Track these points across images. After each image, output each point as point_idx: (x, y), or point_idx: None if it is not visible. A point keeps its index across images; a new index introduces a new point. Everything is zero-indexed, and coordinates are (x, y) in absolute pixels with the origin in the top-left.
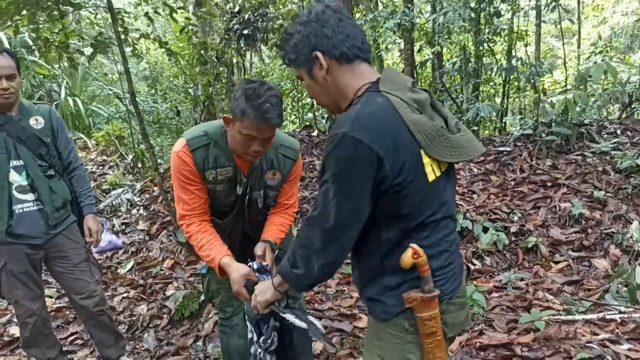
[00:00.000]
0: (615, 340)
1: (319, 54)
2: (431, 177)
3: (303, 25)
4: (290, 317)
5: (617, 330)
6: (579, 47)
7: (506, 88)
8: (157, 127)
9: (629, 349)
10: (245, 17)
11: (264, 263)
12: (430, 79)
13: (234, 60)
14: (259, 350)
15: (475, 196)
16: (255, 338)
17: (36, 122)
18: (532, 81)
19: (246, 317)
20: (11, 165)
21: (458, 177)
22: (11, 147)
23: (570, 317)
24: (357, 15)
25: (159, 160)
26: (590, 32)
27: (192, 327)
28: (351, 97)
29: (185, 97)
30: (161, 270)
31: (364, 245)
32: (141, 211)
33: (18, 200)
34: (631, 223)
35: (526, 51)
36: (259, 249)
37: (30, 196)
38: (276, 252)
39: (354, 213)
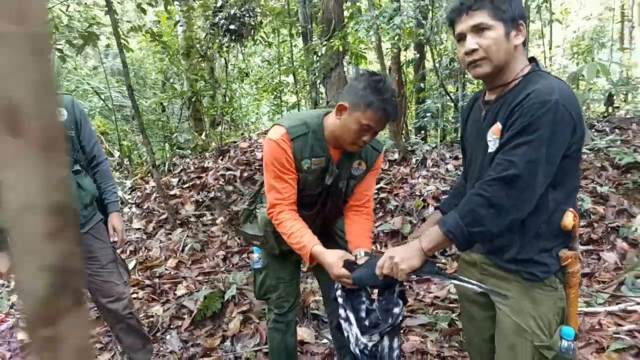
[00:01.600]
0: None
1: (524, 25)
2: None
3: None
4: (457, 282)
5: None
6: (550, 48)
7: None
8: (139, 124)
9: None
10: (232, 12)
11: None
12: (413, 78)
13: (217, 56)
14: (369, 338)
15: None
16: (357, 334)
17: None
18: None
19: (345, 316)
20: None
21: (458, 172)
22: None
23: (592, 309)
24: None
25: (144, 157)
26: (556, 36)
27: (216, 327)
28: (516, 72)
29: (172, 92)
30: (166, 269)
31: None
32: (134, 209)
33: None
34: (634, 217)
35: None
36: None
37: None
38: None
39: (549, 172)
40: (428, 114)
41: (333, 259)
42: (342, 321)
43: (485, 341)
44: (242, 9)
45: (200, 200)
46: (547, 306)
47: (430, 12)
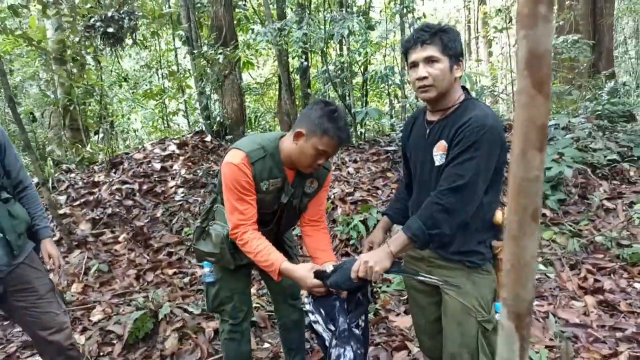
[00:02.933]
0: None
1: (462, 61)
2: None
3: (457, 34)
4: (421, 277)
5: None
6: None
7: (365, 93)
8: (24, 139)
9: (535, 305)
10: (109, 14)
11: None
12: (300, 85)
13: (90, 60)
14: (345, 328)
15: (379, 192)
16: (329, 334)
17: None
18: (388, 85)
19: (315, 319)
20: None
21: (359, 175)
22: None
23: None
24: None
25: None
26: None
27: (151, 348)
28: (454, 99)
29: (45, 100)
30: (72, 296)
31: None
32: None
33: None
34: (500, 202)
35: (384, 59)
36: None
37: None
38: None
39: (486, 180)
40: None
41: (303, 272)
42: (313, 324)
43: (431, 323)
44: (121, 12)
45: (97, 217)
46: (485, 287)
47: (326, 24)
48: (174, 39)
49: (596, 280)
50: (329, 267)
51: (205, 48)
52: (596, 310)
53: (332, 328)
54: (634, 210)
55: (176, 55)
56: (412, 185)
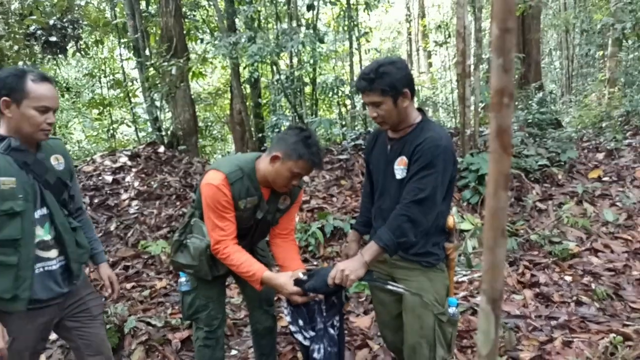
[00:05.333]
0: (471, 295)
1: (408, 91)
2: None
3: (397, 68)
4: (391, 287)
5: (470, 288)
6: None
7: (315, 103)
8: None
9: (479, 300)
10: (51, 22)
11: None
12: (251, 94)
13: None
14: (322, 327)
15: (334, 199)
16: (308, 336)
17: (57, 162)
18: (338, 95)
19: (296, 329)
20: (36, 216)
21: (314, 183)
22: (38, 193)
23: None
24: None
25: None
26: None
27: None
28: (411, 121)
29: None
30: None
31: None
32: None
33: (39, 258)
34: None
35: (333, 69)
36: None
37: (53, 253)
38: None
39: (442, 194)
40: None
41: (284, 279)
42: (295, 334)
43: (394, 318)
44: (65, 20)
45: None
46: (439, 284)
47: (278, 36)
48: (120, 48)
49: (532, 275)
50: (300, 274)
51: (154, 58)
52: (533, 302)
53: (312, 334)
54: (562, 211)
55: (122, 64)
56: (373, 194)
